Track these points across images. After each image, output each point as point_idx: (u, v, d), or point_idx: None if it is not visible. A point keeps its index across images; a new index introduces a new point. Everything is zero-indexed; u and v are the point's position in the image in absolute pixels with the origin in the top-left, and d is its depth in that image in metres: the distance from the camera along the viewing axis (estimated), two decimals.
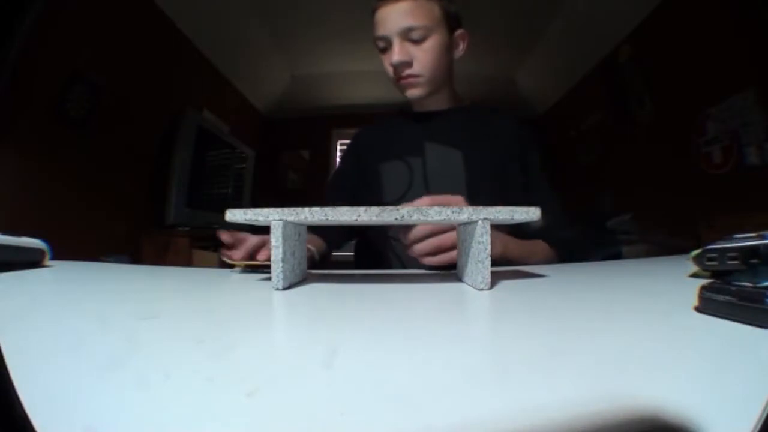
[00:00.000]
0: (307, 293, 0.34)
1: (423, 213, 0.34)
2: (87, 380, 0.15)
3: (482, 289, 0.33)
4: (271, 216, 0.34)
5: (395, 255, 0.73)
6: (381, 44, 0.70)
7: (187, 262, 1.80)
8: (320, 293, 0.35)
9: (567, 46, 2.38)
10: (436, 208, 0.34)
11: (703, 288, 0.22)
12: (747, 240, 0.27)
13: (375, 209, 0.34)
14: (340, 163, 0.86)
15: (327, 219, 0.35)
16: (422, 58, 0.68)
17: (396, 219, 0.34)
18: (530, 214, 0.35)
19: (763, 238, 0.26)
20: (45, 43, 1.28)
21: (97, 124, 1.57)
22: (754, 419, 0.11)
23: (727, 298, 0.20)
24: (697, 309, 0.22)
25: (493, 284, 0.33)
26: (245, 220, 0.36)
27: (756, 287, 0.20)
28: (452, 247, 0.47)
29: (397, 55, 0.67)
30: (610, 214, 2.11)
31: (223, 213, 0.36)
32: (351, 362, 0.17)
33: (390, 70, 0.70)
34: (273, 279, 0.34)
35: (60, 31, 1.33)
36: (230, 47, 2.36)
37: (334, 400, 0.13)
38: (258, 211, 0.35)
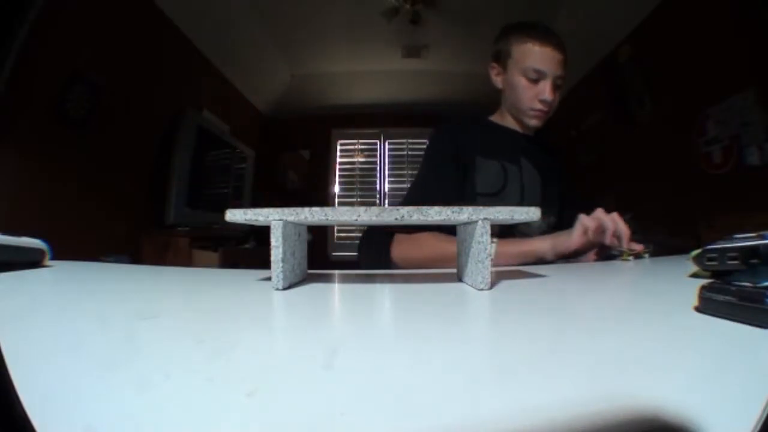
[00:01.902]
0: (307, 293, 0.34)
1: (423, 213, 0.34)
2: (87, 380, 0.15)
3: (482, 289, 0.33)
4: (271, 216, 0.34)
5: None
6: (534, 75, 0.79)
7: (187, 262, 1.80)
8: (320, 293, 0.35)
9: (567, 46, 2.37)
10: (435, 208, 0.34)
11: (703, 288, 0.22)
12: (747, 240, 0.27)
13: (375, 209, 0.34)
14: (433, 160, 0.85)
15: (327, 219, 0.35)
16: (555, 102, 0.81)
17: (396, 219, 0.34)
18: (530, 214, 0.35)
19: (763, 238, 0.26)
20: (45, 43, 1.28)
21: (97, 124, 1.57)
22: (754, 419, 0.11)
23: (727, 298, 0.20)
24: (697, 309, 0.22)
25: (493, 284, 0.33)
26: (245, 220, 0.36)
27: (756, 287, 0.20)
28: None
29: (552, 95, 0.79)
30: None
31: (223, 213, 0.36)
32: (351, 362, 0.17)
33: (533, 101, 0.80)
34: (273, 279, 0.34)
35: (60, 31, 1.34)
36: (230, 47, 2.36)
37: (334, 400, 0.13)
38: (258, 211, 0.35)
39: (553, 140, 1.02)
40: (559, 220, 0.83)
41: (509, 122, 0.87)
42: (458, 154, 0.81)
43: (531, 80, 0.79)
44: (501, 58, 0.85)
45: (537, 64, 0.78)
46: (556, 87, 0.80)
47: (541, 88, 0.79)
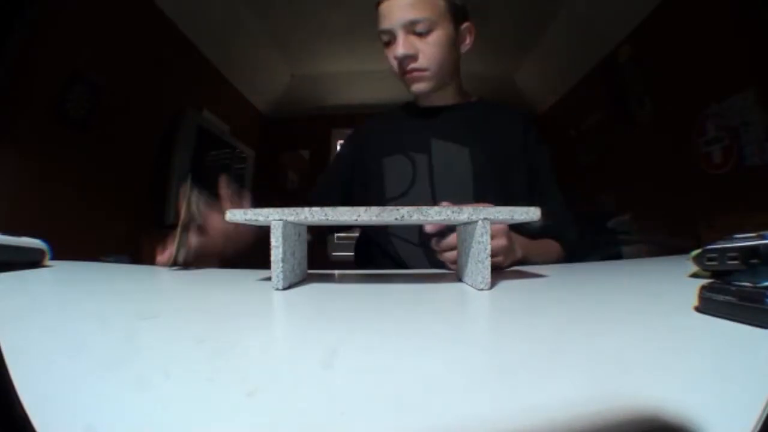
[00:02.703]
0: (307, 293, 0.34)
1: (423, 213, 0.34)
2: (87, 380, 0.15)
3: (482, 289, 0.33)
4: (271, 216, 0.34)
5: (396, 254, 0.72)
6: (385, 38, 0.69)
7: None
8: (320, 293, 0.35)
9: (567, 46, 2.38)
10: (436, 208, 0.34)
11: (703, 288, 0.22)
12: (747, 240, 0.27)
13: (375, 209, 0.34)
14: (336, 155, 0.85)
15: (327, 219, 0.35)
16: (427, 51, 0.67)
17: (396, 219, 0.34)
18: (530, 214, 0.35)
19: (763, 238, 0.26)
20: (45, 43, 1.28)
21: (97, 124, 1.57)
22: (754, 419, 0.11)
23: (727, 298, 0.20)
24: (697, 309, 0.22)
25: (493, 284, 0.33)
26: (245, 220, 0.36)
27: (756, 287, 0.20)
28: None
29: (401, 48, 0.66)
30: (610, 214, 2.11)
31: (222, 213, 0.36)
32: (351, 362, 0.17)
33: (394, 63, 0.69)
34: (273, 279, 0.34)
35: (60, 31, 1.34)
36: (230, 47, 2.36)
37: (334, 400, 0.13)
38: (258, 211, 0.35)
39: (500, 99, 0.83)
40: (520, 200, 0.60)
41: (430, 100, 0.76)
42: (365, 152, 0.77)
43: (387, 44, 0.70)
44: None
45: (381, 25, 0.68)
46: (418, 35, 0.67)
47: (393, 47, 0.68)
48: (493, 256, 0.48)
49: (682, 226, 1.59)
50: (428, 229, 0.47)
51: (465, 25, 0.73)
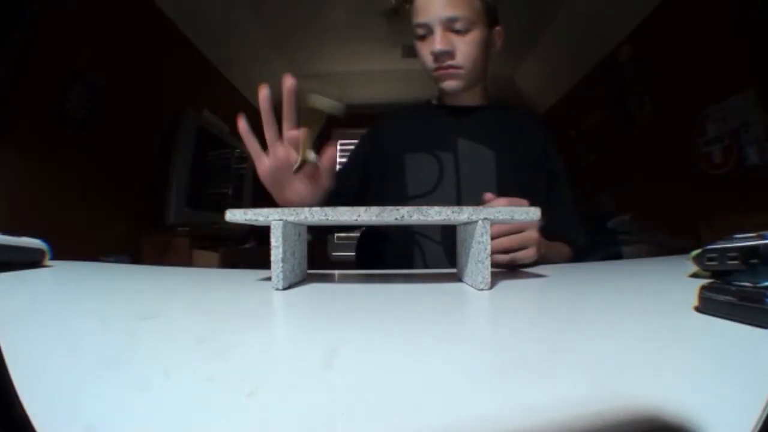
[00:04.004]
0: (307, 293, 0.34)
1: (423, 213, 0.34)
2: (87, 380, 0.15)
3: (482, 289, 0.33)
4: (271, 216, 0.34)
5: (420, 251, 0.71)
6: (421, 31, 0.69)
7: (187, 262, 1.80)
8: (320, 293, 0.35)
9: (567, 46, 2.38)
10: (435, 208, 0.34)
11: (703, 288, 0.22)
12: (747, 240, 0.27)
13: (375, 209, 0.34)
14: (353, 151, 0.82)
15: (327, 219, 0.35)
16: (464, 50, 0.68)
17: (396, 219, 0.34)
18: (530, 214, 0.35)
19: (763, 238, 0.26)
20: (45, 43, 1.28)
21: (97, 124, 1.57)
22: (754, 419, 0.11)
23: (727, 298, 0.20)
24: (697, 309, 0.22)
25: (493, 284, 0.33)
26: (245, 220, 0.36)
27: (756, 287, 0.20)
28: (518, 248, 0.51)
29: (439, 43, 0.66)
30: (610, 214, 2.11)
31: (223, 213, 0.36)
32: (351, 362, 0.17)
33: (429, 58, 0.69)
34: (273, 279, 0.34)
35: (60, 31, 1.34)
36: (230, 48, 2.37)
37: (335, 399, 0.13)
38: (258, 211, 0.35)
39: (522, 105, 0.92)
40: (537, 203, 0.70)
41: (445, 100, 0.77)
42: (388, 148, 0.76)
43: (421, 38, 0.69)
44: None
45: (418, 18, 0.68)
46: (456, 33, 0.67)
47: (430, 41, 0.68)
48: (526, 247, 0.51)
49: (682, 226, 1.59)
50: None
51: (496, 28, 0.74)
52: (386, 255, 0.76)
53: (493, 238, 0.48)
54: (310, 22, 2.32)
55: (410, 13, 0.71)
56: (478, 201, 0.52)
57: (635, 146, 2.16)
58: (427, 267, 0.69)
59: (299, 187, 0.53)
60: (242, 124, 0.50)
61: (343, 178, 0.79)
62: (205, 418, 0.12)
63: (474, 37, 0.68)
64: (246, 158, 2.73)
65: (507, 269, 0.50)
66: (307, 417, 0.12)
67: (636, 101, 2.11)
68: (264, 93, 0.48)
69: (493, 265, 0.50)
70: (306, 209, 0.34)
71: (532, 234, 0.51)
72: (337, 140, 3.34)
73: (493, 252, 0.48)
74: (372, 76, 2.96)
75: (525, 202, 0.49)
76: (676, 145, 1.84)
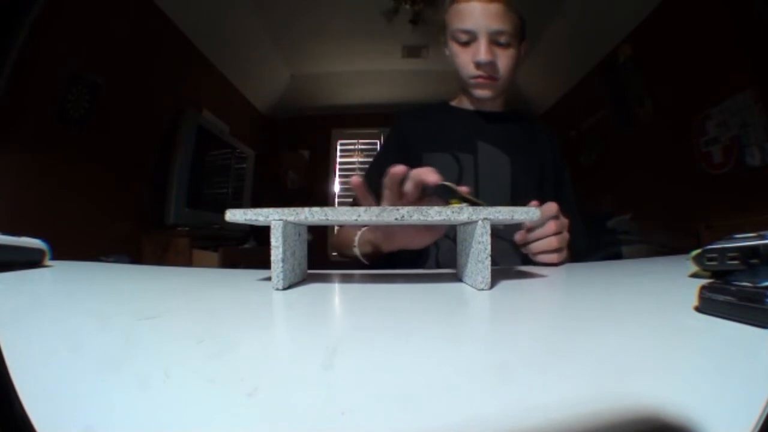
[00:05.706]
0: (307, 293, 0.34)
1: (423, 213, 0.34)
2: (87, 380, 0.15)
3: (482, 289, 0.33)
4: (271, 216, 0.34)
5: (434, 245, 0.71)
6: (463, 37, 0.70)
7: (187, 262, 1.80)
8: (320, 293, 0.35)
9: (567, 46, 2.38)
10: (436, 208, 0.34)
11: (703, 288, 0.22)
12: (747, 240, 0.27)
13: (375, 209, 0.34)
14: (382, 148, 0.85)
15: (327, 219, 0.35)
16: (505, 63, 0.70)
17: (396, 219, 0.34)
18: (530, 214, 0.35)
19: (763, 238, 0.26)
20: (45, 43, 1.28)
21: (97, 124, 1.57)
22: (754, 419, 0.11)
23: (727, 298, 0.20)
24: (697, 309, 0.22)
25: (493, 284, 0.33)
26: (245, 220, 0.36)
27: (756, 287, 0.20)
28: (558, 249, 0.53)
29: (486, 54, 0.68)
30: (610, 214, 2.11)
31: (223, 213, 0.36)
32: (351, 362, 0.17)
33: (470, 66, 0.70)
34: (273, 279, 0.34)
35: (60, 31, 1.34)
36: (230, 47, 2.37)
37: (335, 399, 0.13)
38: (258, 211, 0.35)
39: (532, 113, 0.97)
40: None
41: (465, 103, 0.79)
42: (409, 145, 0.77)
43: (462, 44, 0.70)
44: (443, 30, 0.75)
45: (462, 24, 0.69)
46: (498, 45, 0.69)
47: (474, 50, 0.69)
48: (561, 249, 0.54)
49: (682, 226, 1.59)
50: (518, 239, 0.54)
51: (524, 42, 0.76)
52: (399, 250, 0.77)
53: (539, 238, 0.53)
54: (309, 23, 2.32)
55: (449, 14, 0.72)
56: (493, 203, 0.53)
57: (635, 146, 2.16)
58: (439, 263, 0.70)
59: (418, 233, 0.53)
60: (356, 179, 0.49)
61: (377, 169, 0.79)
62: (205, 418, 0.12)
63: (513, 51, 0.71)
64: (246, 158, 2.73)
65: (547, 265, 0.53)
66: (307, 417, 0.12)
67: (636, 101, 2.11)
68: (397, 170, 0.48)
69: (540, 263, 0.53)
70: (306, 209, 0.34)
71: (566, 235, 0.55)
72: (337, 140, 3.36)
73: (542, 251, 0.53)
74: (372, 76, 2.96)
75: (555, 206, 0.54)
76: (676, 145, 1.84)
